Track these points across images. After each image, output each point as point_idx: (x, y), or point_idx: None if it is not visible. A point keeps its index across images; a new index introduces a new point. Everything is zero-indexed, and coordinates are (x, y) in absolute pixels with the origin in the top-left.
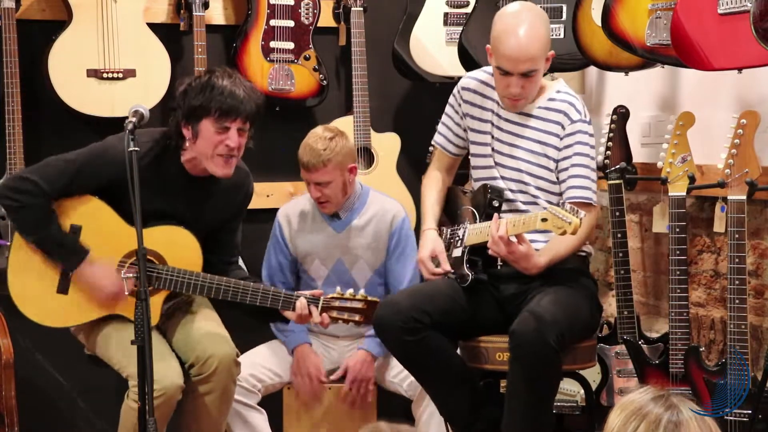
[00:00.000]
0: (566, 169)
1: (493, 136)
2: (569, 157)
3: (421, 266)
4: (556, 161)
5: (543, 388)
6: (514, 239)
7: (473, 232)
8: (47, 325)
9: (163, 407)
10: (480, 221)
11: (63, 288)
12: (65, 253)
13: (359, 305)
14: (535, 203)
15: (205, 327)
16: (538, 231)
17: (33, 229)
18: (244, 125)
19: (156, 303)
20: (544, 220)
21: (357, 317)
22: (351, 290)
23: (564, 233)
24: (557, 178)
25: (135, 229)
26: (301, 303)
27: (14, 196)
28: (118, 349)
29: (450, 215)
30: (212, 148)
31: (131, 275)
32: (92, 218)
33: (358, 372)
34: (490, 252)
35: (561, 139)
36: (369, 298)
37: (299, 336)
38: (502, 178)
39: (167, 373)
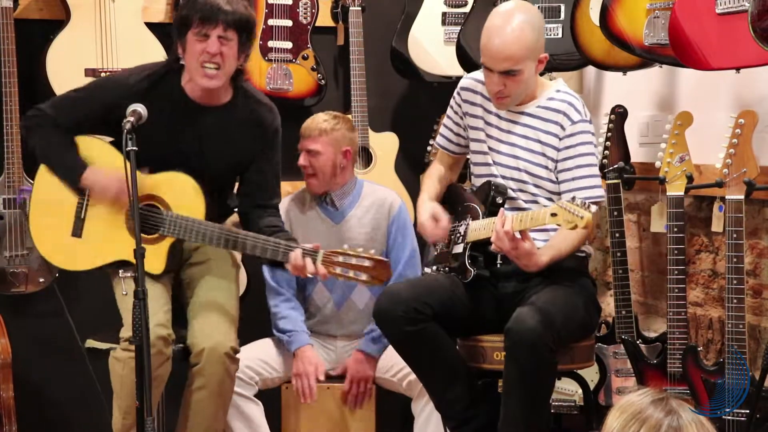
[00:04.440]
0: (570, 169)
1: (489, 135)
2: (573, 157)
3: (421, 230)
4: (555, 161)
5: (538, 387)
6: (518, 235)
7: (476, 228)
8: (58, 266)
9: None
10: (483, 218)
11: (77, 231)
12: (68, 168)
13: (366, 263)
14: (536, 201)
15: (208, 313)
16: (539, 229)
17: (39, 150)
18: (225, 32)
19: (162, 249)
20: (553, 215)
21: (364, 276)
22: (361, 249)
23: (575, 227)
24: (557, 178)
25: (143, 173)
26: (295, 253)
27: (24, 123)
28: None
29: (452, 211)
30: (196, 58)
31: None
32: (99, 160)
33: (357, 371)
34: (492, 248)
35: (561, 139)
36: (376, 257)
37: (301, 337)
38: (502, 177)
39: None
